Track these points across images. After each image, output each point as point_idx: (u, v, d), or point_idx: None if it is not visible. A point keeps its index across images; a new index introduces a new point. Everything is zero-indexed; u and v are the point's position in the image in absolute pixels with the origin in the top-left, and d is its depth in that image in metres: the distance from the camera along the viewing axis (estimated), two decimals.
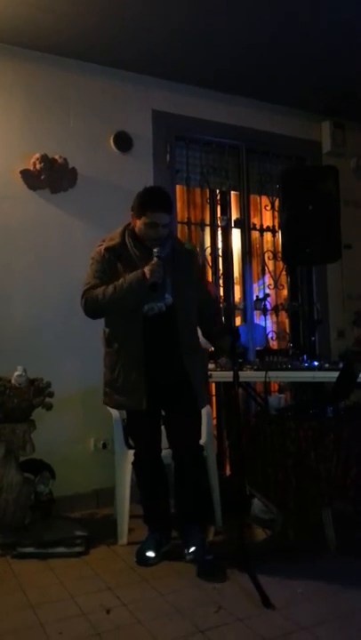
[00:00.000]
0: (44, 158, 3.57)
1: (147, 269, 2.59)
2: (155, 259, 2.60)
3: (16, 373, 3.10)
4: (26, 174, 3.58)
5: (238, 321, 4.44)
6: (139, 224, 2.69)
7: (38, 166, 3.57)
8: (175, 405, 2.77)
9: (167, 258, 2.68)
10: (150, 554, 2.74)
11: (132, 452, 3.02)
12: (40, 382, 3.14)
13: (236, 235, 4.47)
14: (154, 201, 2.70)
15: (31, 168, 3.58)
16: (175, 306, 2.69)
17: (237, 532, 2.63)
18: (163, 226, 2.67)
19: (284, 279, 4.64)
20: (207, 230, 4.38)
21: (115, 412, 3.13)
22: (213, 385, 4.06)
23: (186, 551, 2.72)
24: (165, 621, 2.19)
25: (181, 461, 2.80)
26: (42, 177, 3.59)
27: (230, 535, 2.83)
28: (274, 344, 4.50)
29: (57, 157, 3.62)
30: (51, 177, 3.61)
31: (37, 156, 3.57)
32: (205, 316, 2.89)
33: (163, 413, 2.83)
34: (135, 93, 3.98)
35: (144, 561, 2.72)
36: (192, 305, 2.78)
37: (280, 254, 4.25)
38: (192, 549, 2.71)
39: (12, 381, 3.08)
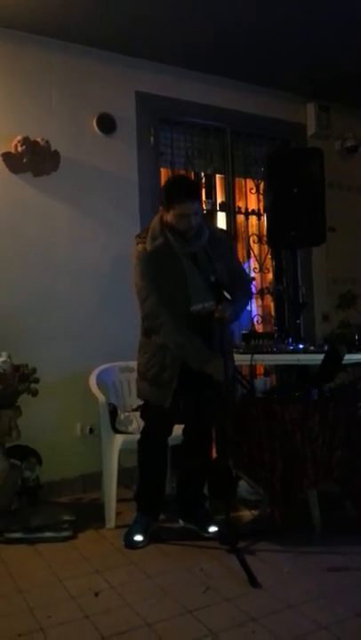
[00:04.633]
0: (25, 141, 3.50)
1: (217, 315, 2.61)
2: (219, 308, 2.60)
3: (0, 359, 3.08)
4: (7, 157, 3.51)
5: None
6: (170, 217, 2.64)
7: (20, 149, 3.49)
8: (199, 380, 2.71)
9: (205, 246, 2.66)
10: (138, 537, 2.76)
11: (119, 436, 3.03)
12: (25, 368, 3.12)
13: (221, 218, 4.45)
14: (179, 191, 2.66)
15: (13, 151, 3.51)
16: None
17: (224, 513, 2.66)
18: (194, 214, 2.62)
19: (269, 262, 4.64)
20: None
21: (101, 397, 3.12)
22: None
23: (204, 531, 2.81)
24: (154, 603, 2.21)
25: (198, 436, 2.89)
26: (24, 160, 3.52)
27: (217, 516, 2.85)
28: (259, 327, 4.51)
29: (39, 140, 3.55)
30: (33, 160, 3.54)
31: (19, 138, 3.50)
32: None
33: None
34: (118, 74, 3.90)
35: (132, 544, 2.74)
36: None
37: (265, 237, 4.25)
38: (213, 529, 2.79)
39: None
